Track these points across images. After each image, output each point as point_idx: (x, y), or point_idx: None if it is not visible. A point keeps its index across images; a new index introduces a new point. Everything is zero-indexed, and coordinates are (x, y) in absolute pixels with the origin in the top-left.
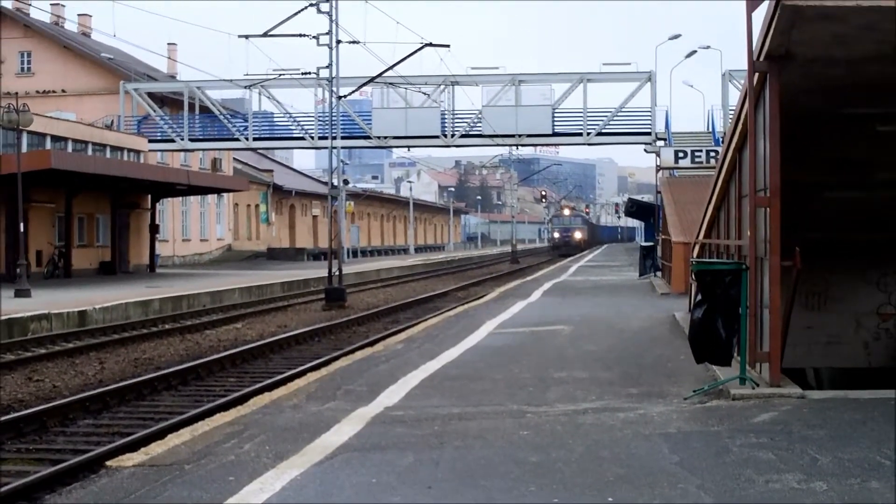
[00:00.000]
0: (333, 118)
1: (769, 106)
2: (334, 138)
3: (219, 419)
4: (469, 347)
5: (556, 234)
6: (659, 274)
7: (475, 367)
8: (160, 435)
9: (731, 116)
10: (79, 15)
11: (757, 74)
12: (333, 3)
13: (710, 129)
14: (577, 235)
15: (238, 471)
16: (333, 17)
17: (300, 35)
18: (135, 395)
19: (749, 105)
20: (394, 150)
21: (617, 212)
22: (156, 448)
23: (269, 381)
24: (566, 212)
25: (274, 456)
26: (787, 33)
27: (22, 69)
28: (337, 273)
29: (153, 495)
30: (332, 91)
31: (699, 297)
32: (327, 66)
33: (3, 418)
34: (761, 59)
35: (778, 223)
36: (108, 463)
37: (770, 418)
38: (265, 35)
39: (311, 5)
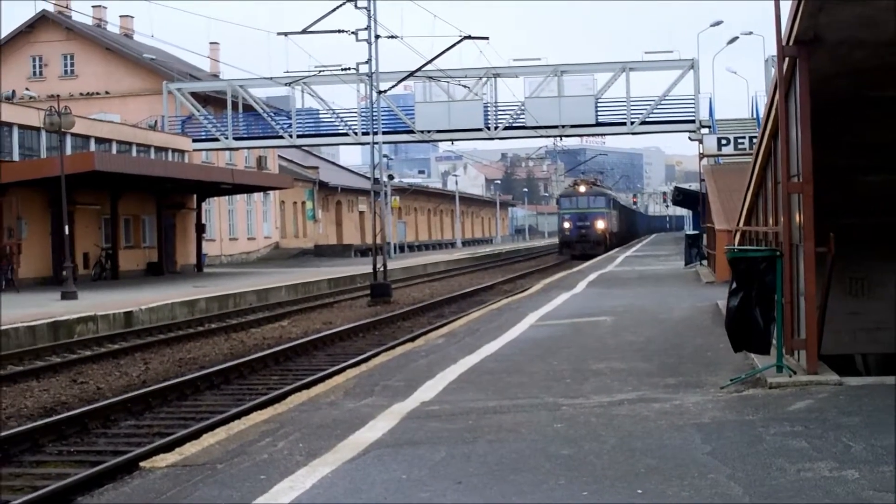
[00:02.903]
0: (375, 113)
1: (799, 91)
2: (376, 133)
3: (255, 417)
4: (509, 341)
5: (566, 224)
6: (705, 262)
7: (514, 361)
8: (196, 435)
9: None
10: (121, 16)
11: (787, 59)
12: None
13: (755, 116)
14: (599, 225)
15: (270, 469)
16: (371, 13)
17: (339, 31)
18: (177, 395)
19: (780, 91)
20: (440, 144)
21: (665, 201)
22: (190, 448)
23: (309, 378)
24: (581, 189)
25: (307, 454)
26: (815, 16)
27: (65, 72)
28: (382, 269)
29: (183, 495)
30: (371, 86)
31: (734, 285)
32: (367, 62)
33: (45, 421)
34: (790, 43)
35: (811, 209)
36: (142, 464)
37: (805, 406)
38: (304, 32)
39: (349, 1)
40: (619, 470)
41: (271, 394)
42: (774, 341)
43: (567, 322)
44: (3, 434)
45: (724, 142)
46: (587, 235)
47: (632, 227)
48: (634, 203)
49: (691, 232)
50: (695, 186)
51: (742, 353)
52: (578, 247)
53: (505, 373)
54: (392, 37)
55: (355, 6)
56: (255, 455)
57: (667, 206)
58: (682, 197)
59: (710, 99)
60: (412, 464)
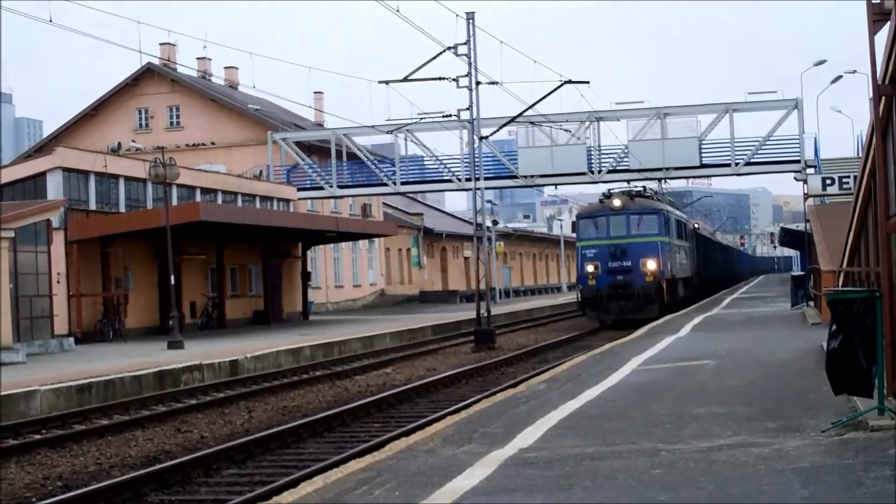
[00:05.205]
0: (477, 159)
1: None
2: (478, 179)
3: (353, 465)
4: (611, 386)
5: (589, 267)
6: (811, 304)
7: (614, 406)
8: (293, 484)
9: None
10: (225, 68)
11: (883, 98)
12: (471, 45)
13: (860, 154)
14: (650, 266)
15: None
16: (471, 60)
17: (439, 79)
18: (279, 444)
19: (876, 130)
20: (545, 188)
21: (772, 241)
22: (287, 497)
23: (410, 426)
24: (616, 202)
25: (402, 502)
26: None
27: (171, 123)
28: (486, 314)
29: None
30: (472, 132)
31: (834, 327)
32: (468, 108)
33: (147, 470)
34: (886, 82)
35: None
36: None
37: None
38: (405, 80)
39: (449, 49)
40: None
41: (371, 441)
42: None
43: (669, 366)
44: (105, 483)
45: (828, 181)
46: (627, 285)
47: (728, 268)
48: (742, 245)
49: (797, 273)
50: (802, 227)
51: (844, 395)
52: (613, 307)
53: (604, 418)
54: (492, 83)
55: (455, 53)
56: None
57: (774, 247)
58: (789, 237)
59: (815, 138)
60: None
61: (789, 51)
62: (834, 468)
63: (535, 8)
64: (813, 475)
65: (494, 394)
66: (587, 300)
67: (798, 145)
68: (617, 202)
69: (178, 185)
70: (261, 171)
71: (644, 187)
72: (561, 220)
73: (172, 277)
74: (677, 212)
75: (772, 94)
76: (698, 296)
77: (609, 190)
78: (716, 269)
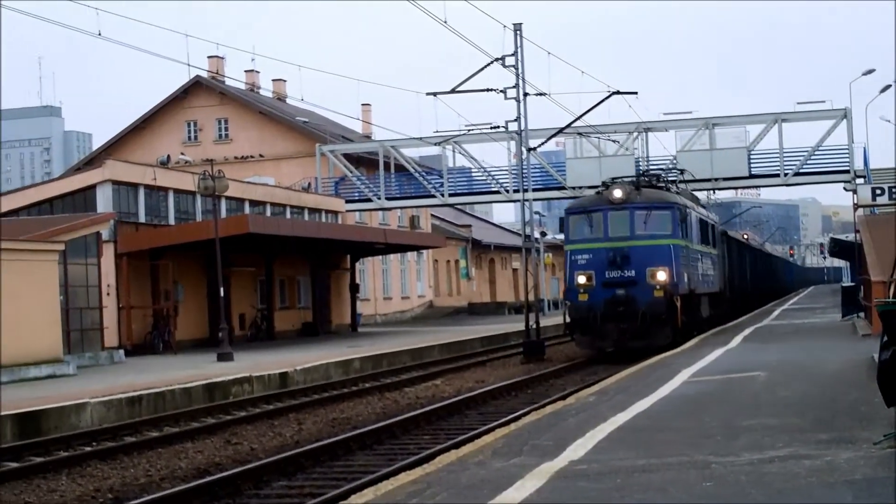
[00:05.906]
0: (525, 170)
1: None
2: (526, 191)
3: (403, 478)
4: (661, 398)
5: (580, 278)
6: (862, 315)
7: (665, 418)
8: (344, 496)
9: None
10: (273, 80)
11: None
12: (519, 56)
13: None
14: (660, 277)
15: None
16: (519, 71)
17: (487, 90)
18: (329, 456)
19: None
20: None
21: (822, 252)
22: None
23: (459, 438)
24: (617, 193)
25: None
26: None
27: (219, 136)
28: (535, 326)
29: None
30: (520, 143)
31: (885, 338)
32: (515, 120)
33: (197, 482)
34: None
35: None
36: None
37: None
38: (453, 91)
39: (496, 60)
40: None
41: (421, 454)
42: None
43: (720, 378)
44: (156, 495)
45: (878, 192)
46: (630, 302)
47: (774, 280)
48: (791, 255)
49: (847, 284)
50: (851, 237)
51: None
52: (610, 330)
53: (655, 430)
54: (540, 94)
55: (503, 65)
56: None
57: (824, 258)
58: (838, 248)
59: (865, 148)
60: None
61: (837, 59)
62: (887, 481)
63: (583, 18)
64: (865, 488)
65: (544, 406)
66: (577, 322)
67: (847, 155)
68: (618, 193)
69: (227, 198)
70: (309, 184)
71: (658, 175)
72: None
73: (222, 289)
74: (700, 209)
75: (820, 104)
76: (732, 314)
77: (611, 178)
78: (758, 281)
